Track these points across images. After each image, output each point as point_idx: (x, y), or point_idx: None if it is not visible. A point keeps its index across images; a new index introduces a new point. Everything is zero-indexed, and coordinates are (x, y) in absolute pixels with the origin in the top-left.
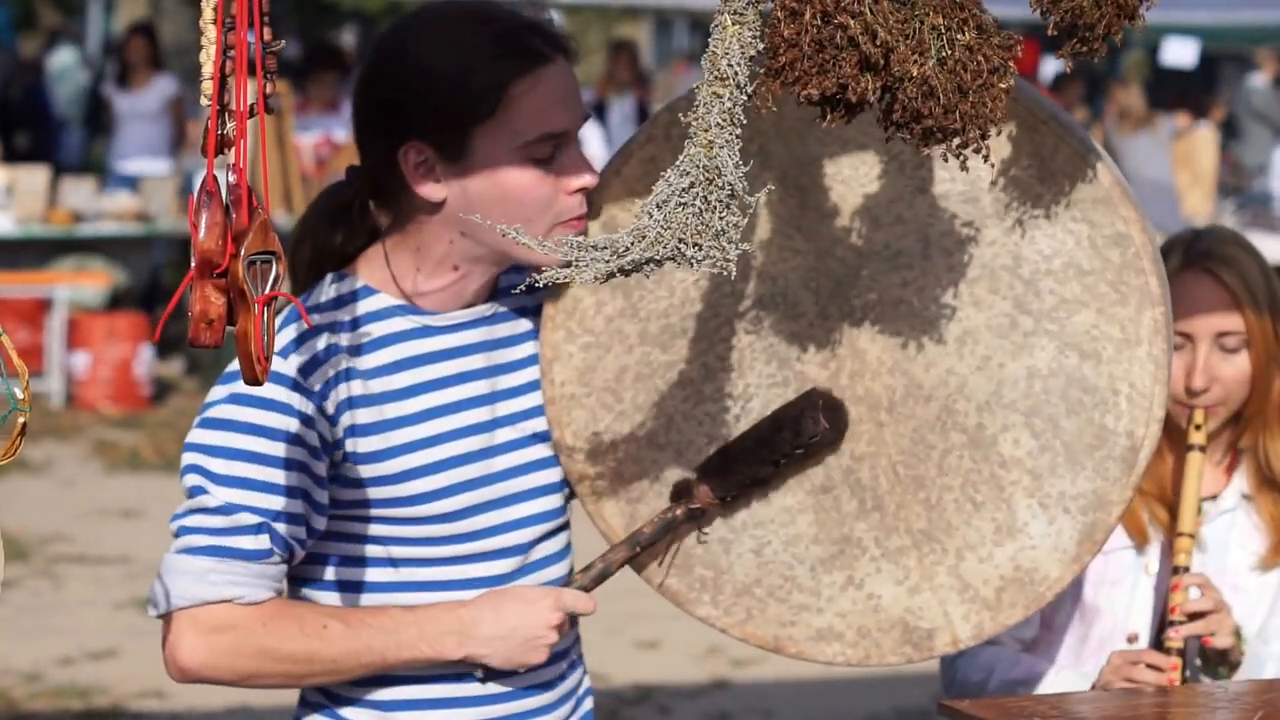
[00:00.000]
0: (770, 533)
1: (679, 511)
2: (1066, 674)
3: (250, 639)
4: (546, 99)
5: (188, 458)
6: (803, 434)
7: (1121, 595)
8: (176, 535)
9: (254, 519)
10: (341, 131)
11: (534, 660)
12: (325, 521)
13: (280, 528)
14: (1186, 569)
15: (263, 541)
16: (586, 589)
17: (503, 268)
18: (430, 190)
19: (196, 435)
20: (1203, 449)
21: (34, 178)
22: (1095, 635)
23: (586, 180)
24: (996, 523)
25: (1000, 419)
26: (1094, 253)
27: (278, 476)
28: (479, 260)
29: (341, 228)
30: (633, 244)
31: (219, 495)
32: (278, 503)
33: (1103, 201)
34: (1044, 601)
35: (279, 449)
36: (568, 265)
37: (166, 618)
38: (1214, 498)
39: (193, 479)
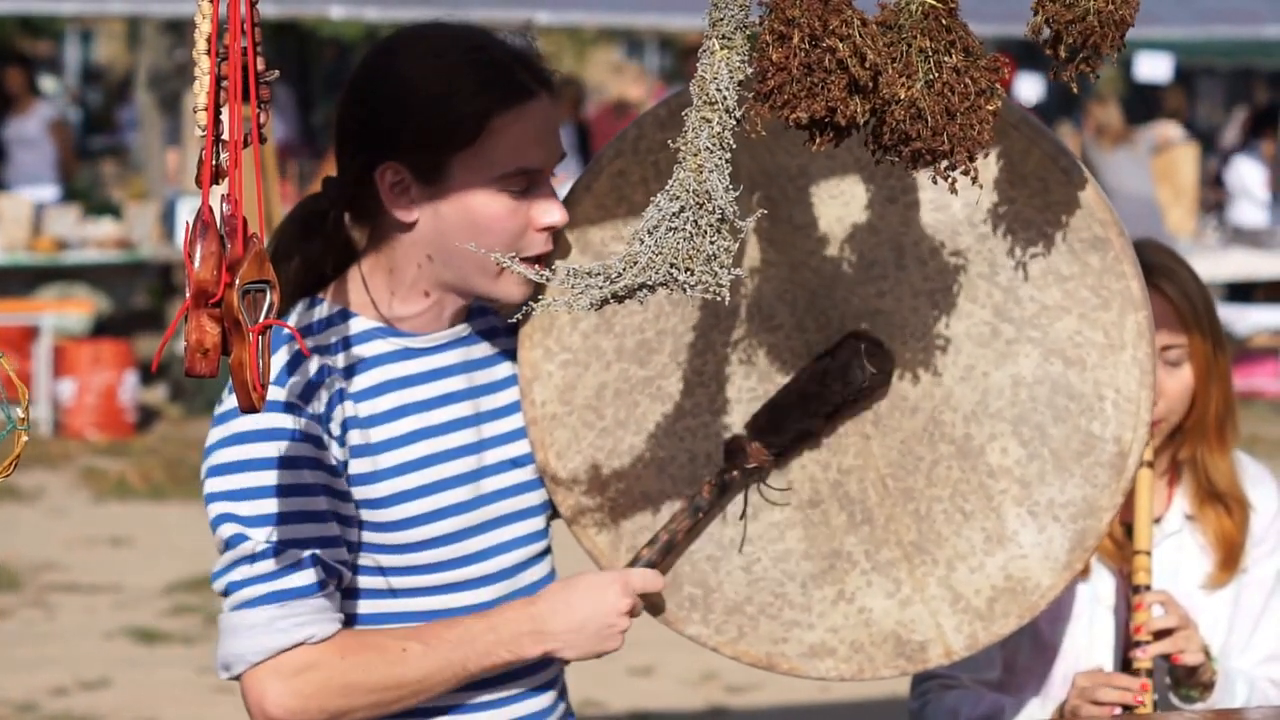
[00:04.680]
0: (759, 549)
1: (735, 472)
2: (1031, 703)
3: (334, 676)
4: (526, 134)
5: (214, 509)
6: (852, 383)
7: (1080, 629)
8: (225, 593)
9: (300, 553)
10: None
11: (610, 648)
12: (357, 535)
13: (326, 554)
14: (1148, 587)
15: (316, 573)
16: (654, 564)
17: (470, 299)
18: (404, 211)
19: (214, 484)
20: (1150, 465)
21: (18, 206)
22: (1059, 673)
23: (556, 219)
24: (986, 532)
25: (987, 428)
26: (1072, 258)
27: (307, 504)
28: (448, 287)
29: (316, 239)
30: (624, 270)
31: (259, 537)
32: (316, 529)
33: (1078, 205)
34: (1037, 610)
35: (299, 476)
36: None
37: (242, 676)
38: (1158, 521)
39: (228, 529)
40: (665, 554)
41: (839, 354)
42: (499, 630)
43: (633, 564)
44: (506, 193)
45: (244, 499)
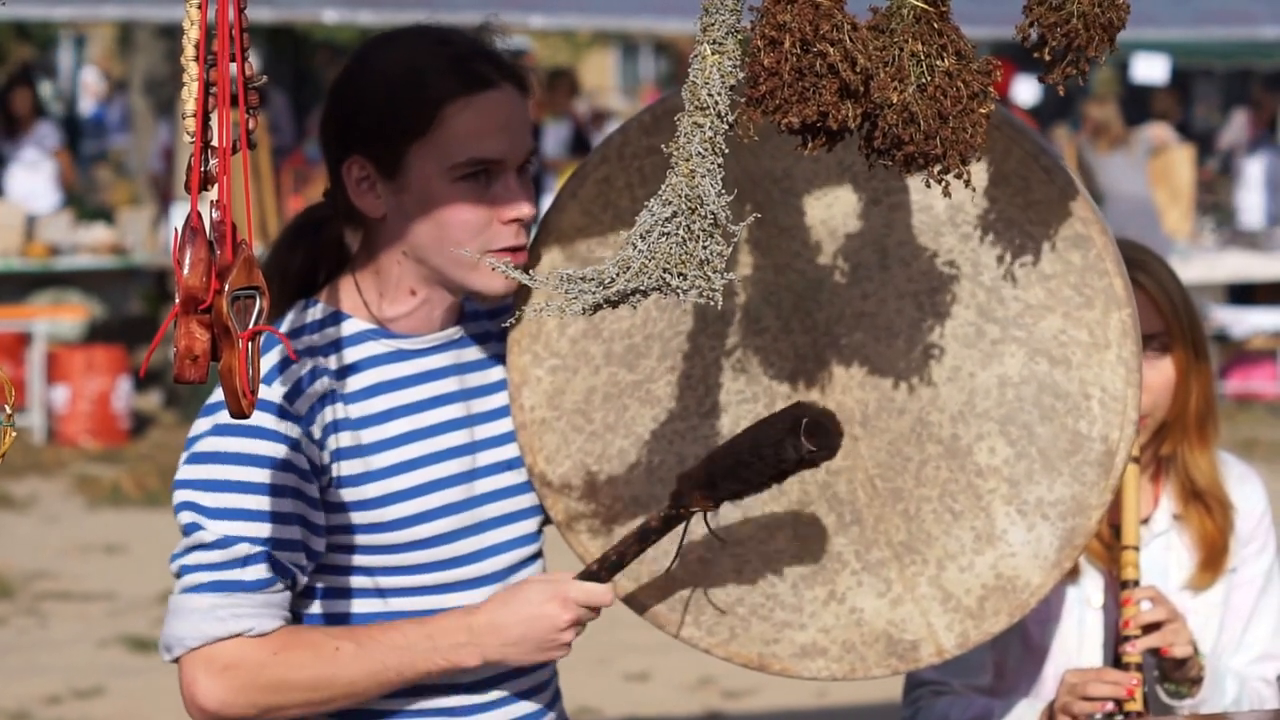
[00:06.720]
0: (749, 550)
1: (680, 510)
2: (1020, 706)
3: (264, 671)
4: (483, 123)
5: (179, 495)
6: (785, 459)
7: (1069, 631)
8: (178, 575)
9: (252, 549)
10: None
11: (555, 657)
12: (324, 543)
13: (279, 555)
14: (1136, 582)
15: (263, 570)
16: (601, 579)
17: (457, 294)
18: (370, 205)
19: (185, 472)
20: (1137, 460)
21: (11, 211)
22: (1050, 674)
23: (522, 211)
24: (976, 531)
25: (975, 428)
26: (1054, 256)
27: (270, 504)
28: (431, 283)
29: (306, 245)
30: (618, 275)
31: (214, 529)
32: (274, 530)
33: (1059, 203)
34: (1027, 608)
35: (269, 476)
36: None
37: (180, 660)
38: (1145, 521)
39: (187, 516)
40: (613, 572)
41: (777, 425)
42: (436, 639)
43: (579, 578)
44: (465, 184)
45: (209, 490)
